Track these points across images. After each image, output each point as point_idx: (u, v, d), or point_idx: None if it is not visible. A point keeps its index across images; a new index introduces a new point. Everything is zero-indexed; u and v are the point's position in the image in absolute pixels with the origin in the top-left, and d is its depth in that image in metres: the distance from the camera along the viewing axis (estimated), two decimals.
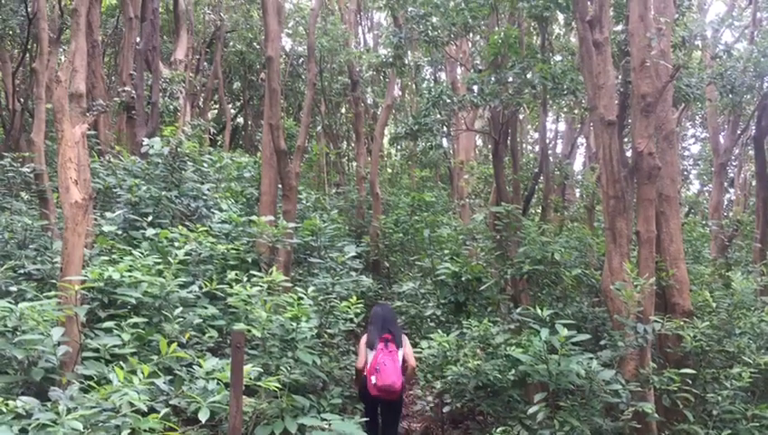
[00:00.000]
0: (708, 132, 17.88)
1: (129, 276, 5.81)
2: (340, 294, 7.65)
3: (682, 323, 6.60)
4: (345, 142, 23.13)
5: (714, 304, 7.24)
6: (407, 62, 13.68)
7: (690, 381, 6.18)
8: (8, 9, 14.89)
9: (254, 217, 8.16)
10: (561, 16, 11.64)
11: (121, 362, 4.74)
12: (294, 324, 5.97)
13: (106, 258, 6.35)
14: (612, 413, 5.95)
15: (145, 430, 4.08)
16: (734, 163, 19.47)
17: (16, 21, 14.90)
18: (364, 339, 6.62)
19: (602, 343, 6.53)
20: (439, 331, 7.45)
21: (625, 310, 6.18)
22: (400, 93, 23.02)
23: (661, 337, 6.93)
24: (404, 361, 6.46)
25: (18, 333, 4.58)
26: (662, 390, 6.08)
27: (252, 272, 6.73)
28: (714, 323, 6.84)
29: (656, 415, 5.92)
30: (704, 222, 16.12)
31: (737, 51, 11.70)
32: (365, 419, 5.99)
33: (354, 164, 20.06)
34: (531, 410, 5.78)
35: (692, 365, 6.40)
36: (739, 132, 15.01)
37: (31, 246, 7.59)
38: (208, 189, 9.73)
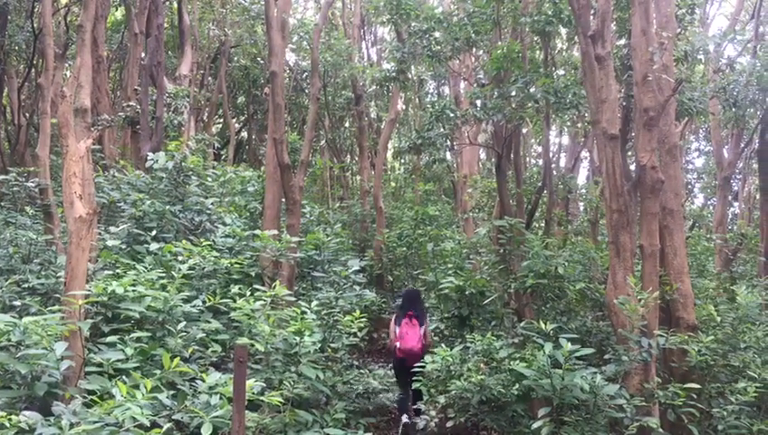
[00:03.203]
0: (712, 146, 17.87)
1: (133, 291, 5.82)
2: (343, 308, 7.64)
3: (686, 337, 6.56)
4: (349, 156, 23.19)
5: (718, 319, 7.20)
6: (410, 76, 13.74)
7: (695, 396, 6.13)
8: (14, 25, 15.03)
9: (257, 232, 8.17)
10: (563, 31, 11.68)
11: (124, 377, 4.75)
12: (298, 339, 5.98)
13: (110, 273, 6.36)
14: (617, 428, 5.90)
15: None
16: (737, 177, 19.42)
17: (22, 36, 15.05)
18: (393, 318, 8.24)
19: (606, 357, 6.49)
20: (443, 345, 7.43)
21: (629, 324, 6.16)
22: (404, 108, 23.08)
23: (666, 351, 6.88)
24: (425, 335, 7.89)
25: (22, 348, 4.59)
26: (667, 404, 6.04)
27: (255, 286, 6.74)
28: (718, 338, 6.80)
29: (660, 430, 5.87)
30: (708, 236, 16.06)
31: (740, 65, 11.72)
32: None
33: (358, 178, 20.11)
34: (535, 425, 5.74)
35: (697, 380, 6.34)
36: (743, 146, 14.98)
37: (35, 261, 7.62)
38: (212, 204, 9.75)
